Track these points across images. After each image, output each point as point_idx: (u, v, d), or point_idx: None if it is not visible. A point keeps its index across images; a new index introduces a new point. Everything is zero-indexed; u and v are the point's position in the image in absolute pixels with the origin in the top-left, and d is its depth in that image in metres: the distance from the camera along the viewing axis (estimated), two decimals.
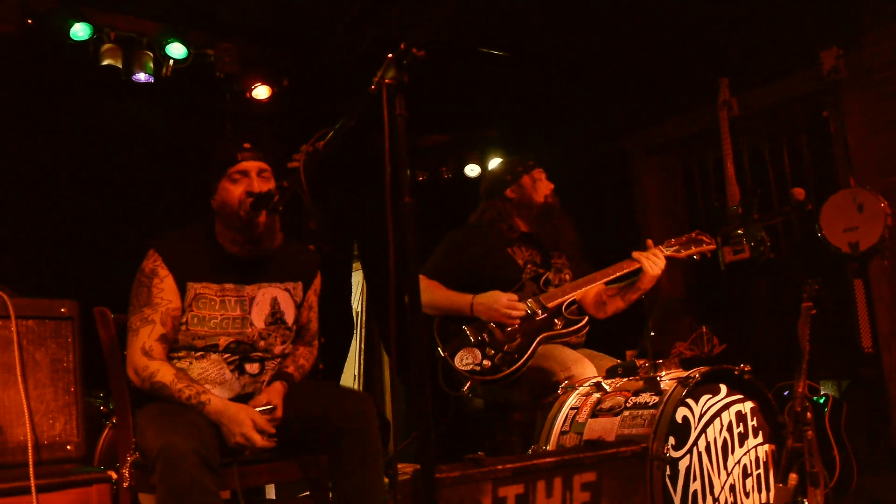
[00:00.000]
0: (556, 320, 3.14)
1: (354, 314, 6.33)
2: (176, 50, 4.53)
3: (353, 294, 6.15)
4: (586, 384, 2.79)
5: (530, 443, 2.80)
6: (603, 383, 2.74)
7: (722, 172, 4.16)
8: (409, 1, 4.11)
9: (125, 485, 2.31)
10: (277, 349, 2.51)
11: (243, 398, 2.40)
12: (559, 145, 5.11)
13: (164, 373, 2.30)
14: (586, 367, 2.95)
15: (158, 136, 4.70)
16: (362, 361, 6.85)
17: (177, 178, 4.53)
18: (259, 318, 2.47)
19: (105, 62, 4.37)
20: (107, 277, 3.59)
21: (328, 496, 2.43)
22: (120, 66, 4.42)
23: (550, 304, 3.12)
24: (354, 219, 5.59)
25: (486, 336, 3.06)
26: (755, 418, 2.63)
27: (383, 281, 5.65)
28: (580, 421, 2.62)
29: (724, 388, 2.59)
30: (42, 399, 2.25)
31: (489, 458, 2.04)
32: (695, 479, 2.42)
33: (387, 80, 1.71)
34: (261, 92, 4.86)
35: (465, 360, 3.03)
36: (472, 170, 5.91)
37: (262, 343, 2.47)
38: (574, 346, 3.20)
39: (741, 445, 2.57)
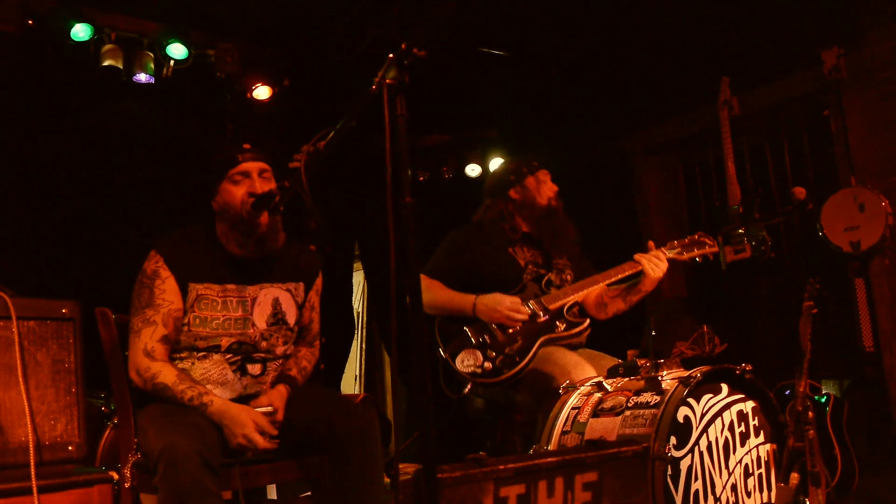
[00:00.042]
0: (557, 322, 3.14)
1: (355, 314, 6.33)
2: (177, 50, 4.53)
3: (354, 294, 6.15)
4: (587, 384, 2.79)
5: (532, 443, 2.80)
6: (604, 383, 2.74)
7: (723, 172, 4.16)
8: (409, 1, 4.11)
9: (126, 485, 2.30)
10: (279, 350, 2.51)
11: (245, 399, 2.40)
12: (559, 145, 5.11)
13: (167, 374, 2.30)
14: (586, 372, 2.94)
15: (159, 137, 4.70)
16: (363, 361, 6.85)
17: (178, 178, 4.53)
18: (261, 318, 2.47)
19: (106, 63, 4.37)
20: (108, 278, 3.59)
21: (329, 497, 2.42)
22: (121, 67, 4.42)
23: (552, 306, 3.12)
24: (355, 219, 5.59)
25: (487, 338, 3.05)
26: (756, 418, 2.63)
27: (384, 281, 5.65)
28: (581, 421, 2.62)
29: (725, 388, 2.59)
30: (43, 400, 2.25)
31: (491, 457, 2.04)
32: (696, 479, 2.42)
33: (388, 80, 1.71)
34: (261, 92, 4.86)
35: (466, 361, 3.03)
36: (472, 170, 5.91)
37: (263, 344, 2.47)
38: (575, 347, 3.19)
39: (742, 445, 2.57)
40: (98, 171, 4.54)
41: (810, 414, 2.66)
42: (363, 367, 6.85)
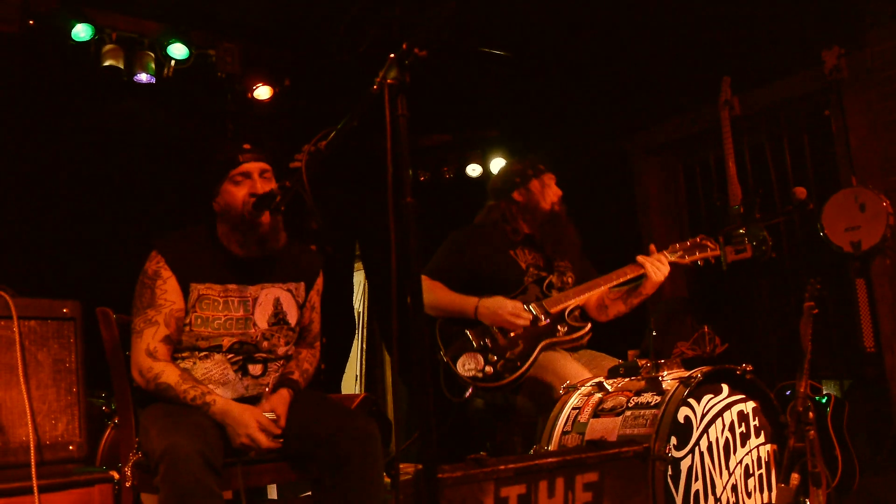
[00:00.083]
0: (559, 326, 3.13)
1: (356, 314, 6.33)
2: (177, 50, 4.54)
3: (354, 294, 6.16)
4: (588, 384, 2.79)
5: (532, 443, 2.80)
6: (605, 383, 2.73)
7: (723, 172, 4.15)
8: (410, 1, 4.11)
9: (127, 485, 2.31)
10: (281, 350, 2.51)
11: (246, 401, 2.39)
12: (560, 145, 5.11)
13: (170, 374, 2.30)
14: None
15: (160, 137, 4.70)
16: (364, 361, 6.85)
17: (178, 178, 4.54)
18: (262, 318, 2.47)
19: (107, 63, 4.38)
20: (109, 278, 3.60)
21: (329, 497, 2.42)
22: (121, 67, 4.43)
23: (553, 310, 3.11)
24: (356, 219, 5.59)
25: (488, 341, 3.04)
26: (757, 418, 2.63)
27: (385, 281, 5.65)
28: (582, 421, 2.62)
29: (726, 388, 2.59)
30: (44, 399, 2.26)
31: (491, 458, 2.04)
32: (697, 480, 2.42)
33: (388, 80, 1.71)
34: (262, 92, 4.87)
35: (467, 365, 3.02)
36: (473, 170, 5.91)
37: (265, 343, 2.47)
38: (576, 349, 3.19)
39: (743, 445, 2.57)
40: (99, 171, 4.54)
41: (811, 414, 2.67)
42: (364, 366, 6.85)
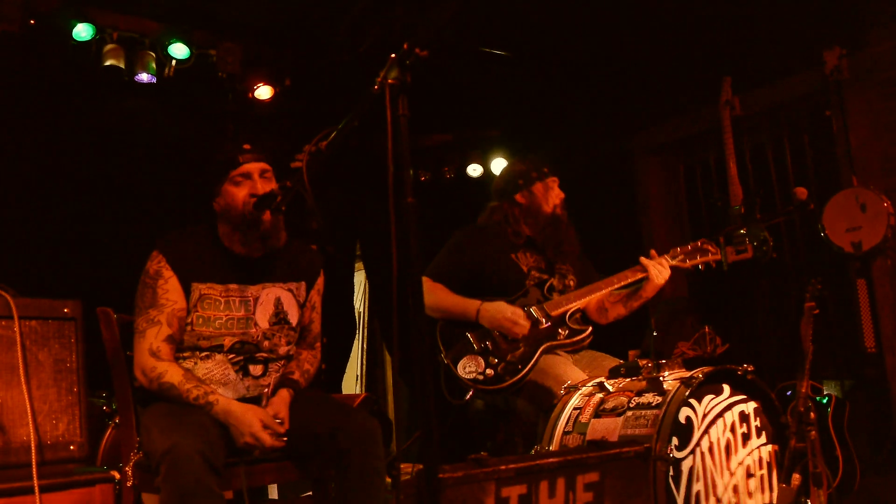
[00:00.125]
0: (560, 329, 3.12)
1: (357, 314, 6.33)
2: (178, 50, 4.54)
3: (355, 294, 6.15)
4: (589, 384, 2.79)
5: (533, 443, 2.80)
6: (606, 383, 2.73)
7: (724, 172, 4.15)
8: (411, 1, 4.11)
9: (128, 484, 2.31)
10: (282, 350, 2.51)
11: (247, 401, 2.39)
12: (561, 145, 5.11)
13: (173, 373, 2.30)
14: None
15: (161, 136, 4.70)
16: (364, 361, 6.85)
17: (179, 178, 4.54)
18: (263, 318, 2.47)
19: (107, 62, 4.38)
20: (110, 278, 3.59)
21: (330, 497, 2.42)
22: (122, 67, 4.43)
23: (555, 313, 3.10)
24: (356, 219, 5.59)
25: (489, 343, 3.04)
26: (758, 418, 2.63)
27: (386, 280, 5.65)
28: (583, 421, 2.62)
29: (727, 389, 2.59)
30: (45, 399, 2.26)
31: (492, 458, 2.04)
32: (698, 480, 2.42)
33: (389, 80, 1.70)
34: (263, 92, 4.86)
35: (467, 368, 3.01)
36: (474, 170, 5.91)
37: (266, 343, 2.47)
38: (576, 351, 3.19)
39: (744, 446, 2.57)
40: (100, 171, 4.54)
41: (812, 415, 2.67)
42: (364, 366, 6.85)
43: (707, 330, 3.69)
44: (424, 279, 3.05)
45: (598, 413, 2.61)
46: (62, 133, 4.45)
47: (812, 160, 4.50)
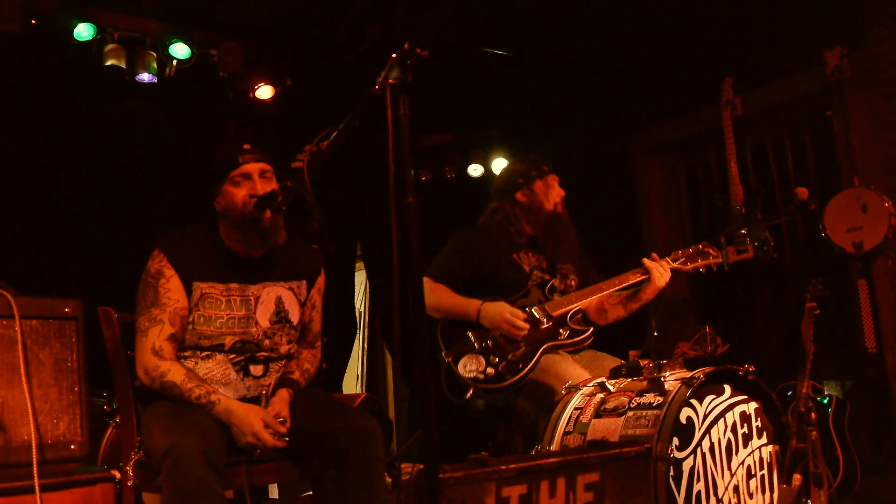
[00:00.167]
0: (560, 329, 3.13)
1: (357, 314, 6.33)
2: (179, 50, 4.54)
3: (356, 294, 6.16)
4: (590, 384, 2.79)
5: (533, 443, 2.80)
6: (607, 383, 2.73)
7: (725, 172, 4.15)
8: (411, 1, 4.11)
9: (129, 484, 2.31)
10: (283, 349, 2.51)
11: (248, 401, 2.39)
12: (561, 145, 5.10)
13: (175, 372, 2.30)
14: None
15: (161, 136, 4.71)
16: (365, 361, 6.85)
17: (180, 177, 4.54)
18: (264, 317, 2.47)
19: (108, 62, 4.38)
20: (111, 277, 3.60)
21: (330, 496, 2.42)
22: (123, 66, 4.43)
23: (556, 313, 3.11)
24: (357, 219, 5.59)
25: (490, 343, 3.04)
26: (759, 419, 2.63)
27: (386, 280, 5.65)
28: (584, 421, 2.62)
29: (728, 389, 2.59)
30: (46, 398, 2.26)
31: (493, 458, 2.04)
32: (698, 480, 2.42)
33: (390, 80, 1.71)
34: (264, 92, 4.87)
35: (468, 366, 3.02)
36: (475, 170, 5.91)
37: (266, 342, 2.47)
38: (577, 351, 3.19)
39: (745, 446, 2.57)
40: (101, 171, 4.55)
41: (813, 415, 2.66)
42: (365, 366, 6.85)
43: (708, 330, 3.68)
44: (425, 280, 3.05)
45: (599, 413, 2.61)
46: (63, 133, 4.46)
47: (813, 160, 4.50)
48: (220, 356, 2.41)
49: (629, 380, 2.70)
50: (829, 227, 3.82)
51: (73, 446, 2.29)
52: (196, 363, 2.40)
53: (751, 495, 2.55)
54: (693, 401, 2.47)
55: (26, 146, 4.33)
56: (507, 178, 3.35)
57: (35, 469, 2.13)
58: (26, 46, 4.26)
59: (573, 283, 3.26)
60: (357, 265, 6.04)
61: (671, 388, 2.50)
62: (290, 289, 2.55)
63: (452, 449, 3.72)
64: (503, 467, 2.02)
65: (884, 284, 3.97)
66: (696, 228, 5.13)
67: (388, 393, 6.76)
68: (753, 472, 2.58)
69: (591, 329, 3.20)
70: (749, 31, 4.34)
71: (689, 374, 2.56)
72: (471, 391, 3.04)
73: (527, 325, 3.02)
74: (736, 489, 2.51)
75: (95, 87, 4.53)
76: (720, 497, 2.46)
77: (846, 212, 3.78)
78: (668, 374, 2.62)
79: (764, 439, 2.63)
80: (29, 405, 2.20)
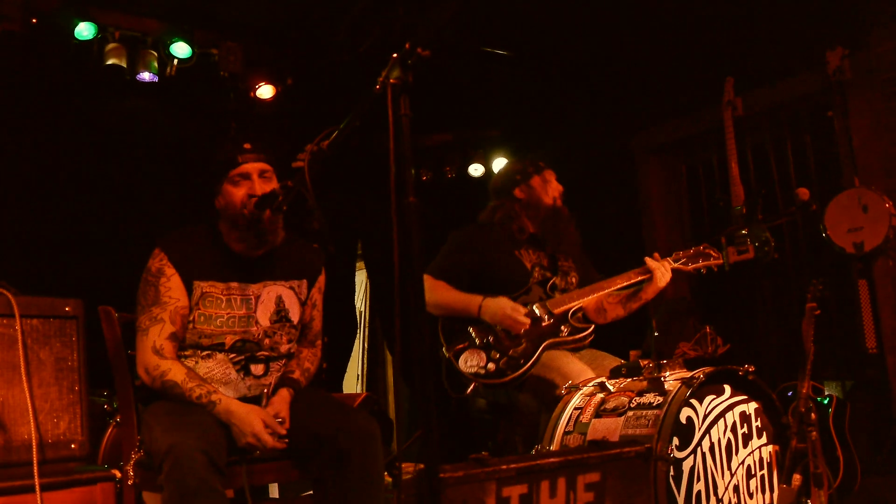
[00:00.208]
0: (562, 327, 3.13)
1: (358, 313, 6.33)
2: (180, 49, 4.54)
3: (356, 293, 6.16)
4: (590, 384, 2.79)
5: (534, 443, 2.80)
6: (607, 383, 2.73)
7: (726, 172, 4.15)
8: (411, 1, 4.11)
9: (129, 483, 2.31)
10: (283, 348, 2.51)
11: (248, 401, 2.39)
12: (562, 145, 5.10)
13: (176, 371, 2.30)
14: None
15: (162, 135, 4.71)
16: (365, 361, 6.85)
17: (181, 177, 4.54)
18: (264, 316, 2.47)
19: (109, 61, 4.38)
20: (111, 276, 3.60)
21: (330, 496, 2.42)
22: (124, 66, 4.43)
23: (557, 311, 3.11)
24: (358, 218, 5.59)
25: (491, 339, 3.05)
26: (759, 419, 2.63)
27: (387, 280, 5.66)
28: (584, 421, 2.62)
29: (728, 389, 2.59)
30: (46, 398, 2.26)
31: (493, 457, 2.04)
32: (699, 480, 2.42)
33: (391, 80, 1.71)
34: (265, 91, 4.87)
35: (469, 362, 3.03)
36: (475, 169, 5.91)
37: (267, 342, 2.47)
38: (578, 349, 3.19)
39: (745, 446, 2.57)
40: (101, 170, 4.55)
41: (813, 415, 2.66)
42: (365, 366, 6.85)
43: (708, 330, 3.68)
44: (426, 277, 3.06)
45: (599, 413, 2.61)
46: (63, 132, 4.46)
47: (814, 161, 4.50)
48: (220, 355, 2.41)
49: (629, 380, 2.71)
50: (829, 227, 3.82)
51: (73, 445, 2.29)
52: (196, 362, 2.40)
53: (751, 495, 2.55)
54: (693, 401, 2.47)
55: (26, 146, 4.33)
56: (505, 177, 3.37)
57: (35, 468, 2.13)
58: (27, 46, 4.27)
59: (573, 280, 3.26)
60: (357, 265, 6.04)
61: (671, 388, 2.50)
62: (291, 288, 2.55)
63: (453, 449, 3.73)
64: (504, 467, 2.02)
65: (884, 285, 3.97)
66: (697, 229, 5.13)
67: (389, 392, 6.76)
68: (753, 472, 2.58)
69: (593, 327, 3.21)
70: (750, 31, 4.34)
71: (689, 374, 2.56)
72: (471, 386, 3.04)
73: (528, 321, 3.02)
74: (736, 489, 2.51)
75: (96, 86, 4.53)
76: (720, 497, 2.46)
77: (847, 212, 3.78)
78: (668, 374, 2.62)
79: (764, 439, 2.63)
80: (29, 404, 2.20)
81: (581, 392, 2.76)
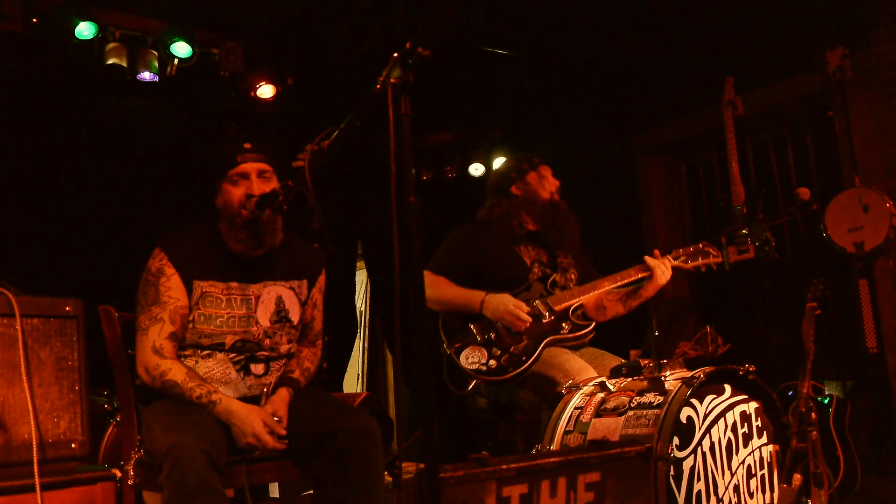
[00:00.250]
0: (563, 324, 3.14)
1: (358, 313, 6.33)
2: (181, 49, 4.54)
3: (357, 293, 6.16)
4: (591, 384, 2.79)
5: (534, 442, 2.80)
6: (607, 383, 2.73)
7: (726, 172, 4.15)
8: (412, 1, 4.12)
9: (129, 483, 2.31)
10: (283, 348, 2.51)
11: (248, 400, 2.39)
12: (563, 144, 5.10)
13: (176, 371, 2.30)
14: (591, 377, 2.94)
15: (163, 135, 4.71)
16: (366, 360, 6.85)
17: (181, 176, 4.54)
18: (264, 316, 2.47)
19: (110, 61, 4.39)
20: (112, 276, 3.60)
21: (330, 496, 2.42)
22: (125, 65, 4.43)
23: (558, 308, 3.12)
24: (358, 218, 5.59)
25: (492, 335, 3.05)
26: (759, 418, 2.63)
27: (387, 280, 5.65)
28: (584, 421, 2.62)
29: (728, 389, 2.59)
30: (47, 397, 2.26)
31: (493, 457, 2.04)
32: (699, 480, 2.42)
33: (392, 80, 1.71)
34: (265, 91, 4.87)
35: (470, 358, 3.03)
36: (476, 169, 5.91)
37: (267, 342, 2.47)
38: (578, 347, 3.19)
39: (745, 446, 2.57)
40: (102, 169, 4.55)
41: (813, 415, 2.66)
42: (365, 365, 6.85)
43: (708, 330, 3.69)
44: (426, 273, 3.06)
45: (600, 412, 2.61)
46: (64, 132, 4.46)
47: (814, 160, 4.50)
48: (220, 355, 2.41)
49: (630, 379, 2.71)
50: (830, 227, 3.82)
51: (73, 445, 2.29)
52: (196, 362, 2.40)
53: (751, 495, 2.55)
54: (693, 400, 2.47)
55: (27, 146, 4.33)
56: (501, 175, 3.38)
57: (35, 468, 2.13)
58: (27, 45, 4.27)
59: (573, 277, 3.27)
60: (358, 264, 6.04)
61: (671, 388, 2.50)
62: (291, 288, 2.55)
63: (453, 448, 3.72)
64: (504, 467, 2.02)
65: (885, 284, 3.97)
66: (697, 228, 5.13)
67: (389, 392, 6.76)
68: (754, 472, 2.58)
69: (593, 324, 3.21)
70: (750, 31, 4.34)
71: (689, 374, 2.56)
72: (473, 383, 3.04)
73: (528, 318, 3.03)
74: (736, 489, 2.51)
75: (97, 85, 4.53)
76: (720, 496, 2.46)
77: (847, 212, 3.78)
78: (668, 373, 2.62)
79: (764, 439, 2.63)
80: (29, 404, 2.20)
81: (581, 391, 2.76)
